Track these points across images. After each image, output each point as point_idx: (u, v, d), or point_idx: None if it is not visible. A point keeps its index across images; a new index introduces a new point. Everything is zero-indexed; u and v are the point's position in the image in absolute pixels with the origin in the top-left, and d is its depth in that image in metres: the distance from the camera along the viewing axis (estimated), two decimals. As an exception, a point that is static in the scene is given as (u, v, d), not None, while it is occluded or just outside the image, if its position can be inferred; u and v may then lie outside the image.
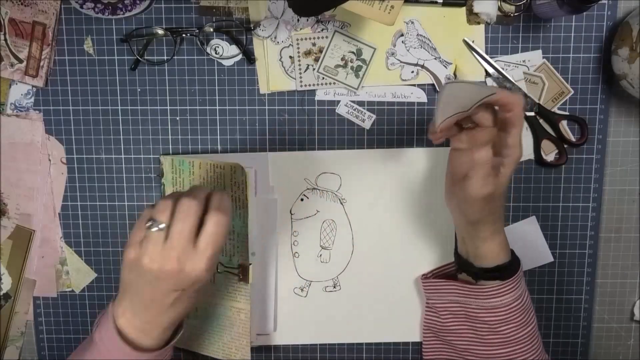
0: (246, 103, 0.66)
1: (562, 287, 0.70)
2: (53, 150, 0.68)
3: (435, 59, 0.65)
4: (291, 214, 0.68)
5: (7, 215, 0.69)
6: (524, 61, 0.65)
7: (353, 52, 0.64)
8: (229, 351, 0.67)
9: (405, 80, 0.65)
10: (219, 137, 0.67)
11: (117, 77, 0.66)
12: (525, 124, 0.66)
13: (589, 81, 0.65)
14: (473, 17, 0.64)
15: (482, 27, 0.64)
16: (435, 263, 0.68)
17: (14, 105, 0.67)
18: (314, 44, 0.64)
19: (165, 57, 0.65)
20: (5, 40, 0.65)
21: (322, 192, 0.68)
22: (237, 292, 0.65)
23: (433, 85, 0.65)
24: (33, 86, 0.66)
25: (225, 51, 0.65)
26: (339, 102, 0.66)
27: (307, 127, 0.67)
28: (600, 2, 0.59)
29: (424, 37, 0.64)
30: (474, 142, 0.53)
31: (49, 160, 0.68)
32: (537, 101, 0.66)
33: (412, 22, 0.64)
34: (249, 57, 0.65)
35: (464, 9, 0.64)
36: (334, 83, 0.65)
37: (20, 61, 0.65)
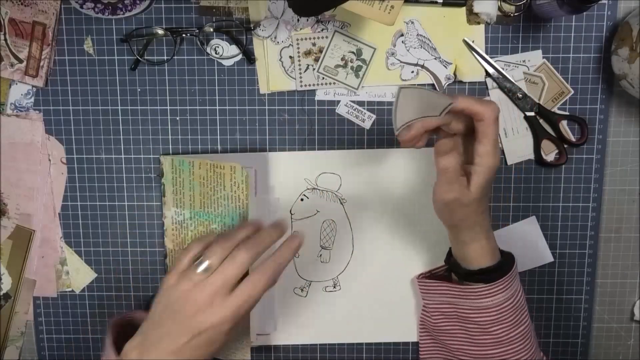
0: (246, 103, 0.66)
1: (562, 287, 0.70)
2: (53, 150, 0.68)
3: (435, 59, 0.65)
4: (291, 214, 0.68)
5: (7, 215, 0.69)
6: (524, 61, 0.65)
7: (353, 52, 0.64)
8: (229, 351, 0.67)
9: (405, 80, 0.65)
10: (219, 137, 0.67)
11: (117, 77, 0.66)
12: (525, 124, 0.66)
13: (589, 81, 0.65)
14: (473, 17, 0.64)
15: (482, 27, 0.64)
16: (434, 263, 0.68)
17: (14, 105, 0.67)
18: (314, 44, 0.64)
19: (165, 57, 0.65)
20: (5, 40, 0.65)
21: (322, 192, 0.68)
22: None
23: (433, 85, 0.65)
24: (33, 86, 0.66)
25: (225, 51, 0.65)
26: (339, 102, 0.66)
27: (307, 127, 0.67)
28: (600, 2, 0.59)
29: (424, 37, 0.64)
30: (437, 150, 0.53)
31: (49, 160, 0.68)
32: (537, 101, 0.66)
33: (412, 22, 0.64)
34: (249, 57, 0.65)
35: (464, 9, 0.64)
36: (334, 83, 0.65)
37: (20, 61, 0.65)
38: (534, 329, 0.62)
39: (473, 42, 0.64)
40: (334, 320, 0.70)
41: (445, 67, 0.65)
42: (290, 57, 0.65)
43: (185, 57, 0.65)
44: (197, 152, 0.67)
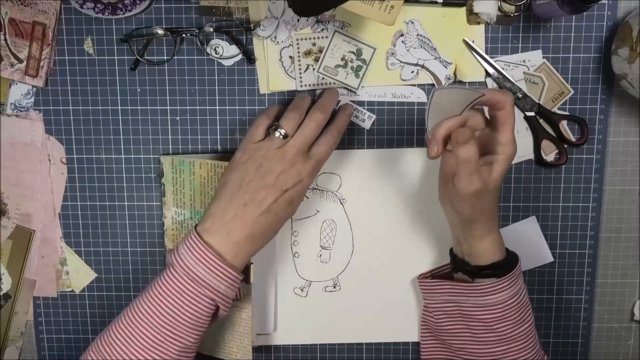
0: (246, 103, 0.66)
1: (562, 287, 0.70)
2: (53, 150, 0.68)
3: (435, 59, 0.65)
4: (291, 214, 0.68)
5: (7, 215, 0.69)
6: (524, 61, 0.65)
7: (353, 52, 0.64)
8: (230, 350, 0.67)
9: (405, 80, 0.65)
10: (219, 137, 0.67)
11: (117, 77, 0.66)
12: (525, 124, 0.66)
13: (589, 81, 0.65)
14: (473, 17, 0.64)
15: (482, 27, 0.64)
16: (435, 263, 0.68)
17: (14, 105, 0.67)
18: (314, 44, 0.64)
19: (165, 57, 0.65)
20: (5, 40, 0.65)
21: (322, 192, 0.68)
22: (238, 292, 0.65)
23: (433, 85, 0.65)
24: (33, 86, 0.66)
25: (225, 51, 0.65)
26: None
27: (307, 127, 0.67)
28: (600, 2, 0.59)
29: (424, 37, 0.64)
30: (455, 142, 0.53)
31: (49, 160, 0.68)
32: (537, 101, 0.66)
33: (412, 22, 0.64)
34: (249, 57, 0.65)
35: (464, 9, 0.64)
36: (334, 83, 0.65)
37: (20, 61, 0.65)
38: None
39: (473, 42, 0.64)
40: (334, 320, 0.70)
41: (445, 67, 0.65)
42: (290, 57, 0.65)
43: (185, 57, 0.65)
44: (197, 152, 0.67)
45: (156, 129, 0.67)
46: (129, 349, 0.53)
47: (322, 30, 0.64)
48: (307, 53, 0.65)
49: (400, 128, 0.67)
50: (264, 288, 0.68)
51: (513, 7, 0.64)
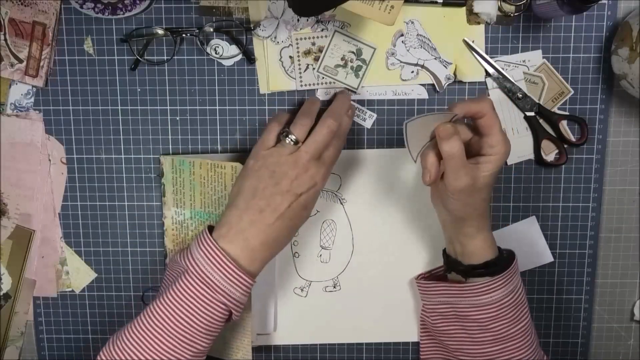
0: (246, 103, 0.66)
1: (562, 287, 0.70)
2: (53, 150, 0.68)
3: (435, 59, 0.65)
4: (291, 214, 0.68)
5: (7, 215, 0.69)
6: (524, 61, 0.65)
7: (353, 52, 0.64)
8: (230, 350, 0.67)
9: (405, 80, 0.65)
10: (219, 137, 0.67)
11: (117, 77, 0.66)
12: (525, 124, 0.66)
13: (589, 81, 0.65)
14: (473, 17, 0.64)
15: (482, 27, 0.64)
16: (435, 263, 0.68)
17: (14, 105, 0.67)
18: (313, 44, 0.64)
19: (165, 57, 0.65)
20: (5, 40, 0.65)
21: (322, 192, 0.68)
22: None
23: (433, 85, 0.65)
24: (33, 86, 0.66)
25: (225, 51, 0.65)
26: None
27: (307, 127, 0.67)
28: (600, 2, 0.59)
29: (424, 37, 0.64)
30: (438, 137, 0.53)
31: (49, 160, 0.68)
32: (537, 101, 0.66)
33: (412, 22, 0.64)
34: (249, 57, 0.65)
35: (464, 9, 0.64)
36: (334, 83, 0.65)
37: (20, 61, 0.65)
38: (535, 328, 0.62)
39: (473, 42, 0.64)
40: (334, 320, 0.70)
41: (445, 67, 0.65)
42: (290, 57, 0.65)
43: (185, 57, 0.65)
44: (197, 152, 0.67)
45: (156, 129, 0.67)
46: (143, 353, 0.53)
47: (322, 30, 0.64)
48: (307, 53, 0.65)
49: (400, 128, 0.67)
50: (264, 288, 0.68)
51: (513, 7, 0.64)
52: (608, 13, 0.64)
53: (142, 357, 0.53)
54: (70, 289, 0.70)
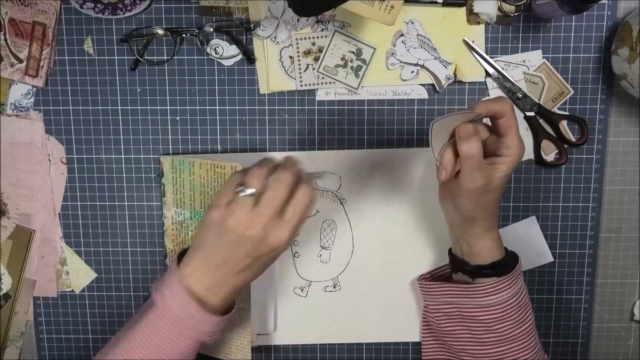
0: (246, 103, 0.66)
1: (562, 287, 0.70)
2: (53, 150, 0.68)
3: (435, 59, 0.65)
4: (291, 214, 0.68)
5: (7, 215, 0.69)
6: (524, 61, 0.65)
7: (353, 52, 0.64)
8: (229, 350, 0.67)
9: (405, 80, 0.65)
10: (219, 137, 0.67)
11: (117, 77, 0.66)
12: (525, 124, 0.66)
13: (589, 81, 0.65)
14: (473, 17, 0.64)
15: (482, 27, 0.64)
16: (435, 263, 0.68)
17: (14, 105, 0.67)
18: (313, 44, 0.64)
19: (165, 57, 0.65)
20: (5, 40, 0.65)
21: (322, 192, 0.68)
22: (237, 292, 0.65)
23: (433, 85, 0.65)
24: (33, 86, 0.66)
25: (225, 51, 0.65)
26: (341, 101, 0.66)
27: (307, 127, 0.67)
28: (600, 2, 0.59)
29: (424, 37, 0.64)
30: (458, 137, 0.53)
31: (49, 160, 0.68)
32: (537, 101, 0.66)
33: (412, 22, 0.64)
34: (249, 57, 0.65)
35: (464, 9, 0.64)
36: (334, 83, 0.65)
37: (20, 61, 0.65)
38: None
39: (473, 42, 0.64)
40: (334, 320, 0.70)
41: (445, 67, 0.65)
42: (290, 57, 0.65)
43: (185, 57, 0.65)
44: (197, 152, 0.67)
45: (156, 129, 0.67)
46: None
47: (322, 30, 0.64)
48: (307, 53, 0.65)
49: (400, 128, 0.67)
50: (264, 288, 0.69)
51: (513, 7, 0.64)
52: (608, 13, 0.64)
53: None
54: (70, 289, 0.70)
